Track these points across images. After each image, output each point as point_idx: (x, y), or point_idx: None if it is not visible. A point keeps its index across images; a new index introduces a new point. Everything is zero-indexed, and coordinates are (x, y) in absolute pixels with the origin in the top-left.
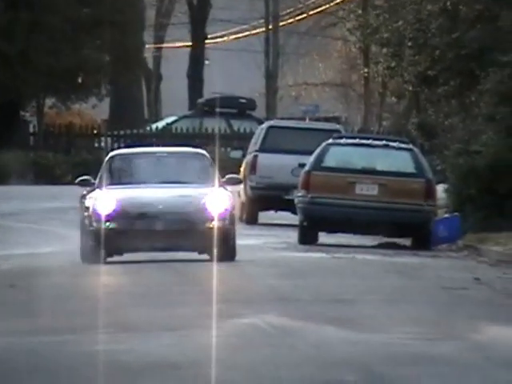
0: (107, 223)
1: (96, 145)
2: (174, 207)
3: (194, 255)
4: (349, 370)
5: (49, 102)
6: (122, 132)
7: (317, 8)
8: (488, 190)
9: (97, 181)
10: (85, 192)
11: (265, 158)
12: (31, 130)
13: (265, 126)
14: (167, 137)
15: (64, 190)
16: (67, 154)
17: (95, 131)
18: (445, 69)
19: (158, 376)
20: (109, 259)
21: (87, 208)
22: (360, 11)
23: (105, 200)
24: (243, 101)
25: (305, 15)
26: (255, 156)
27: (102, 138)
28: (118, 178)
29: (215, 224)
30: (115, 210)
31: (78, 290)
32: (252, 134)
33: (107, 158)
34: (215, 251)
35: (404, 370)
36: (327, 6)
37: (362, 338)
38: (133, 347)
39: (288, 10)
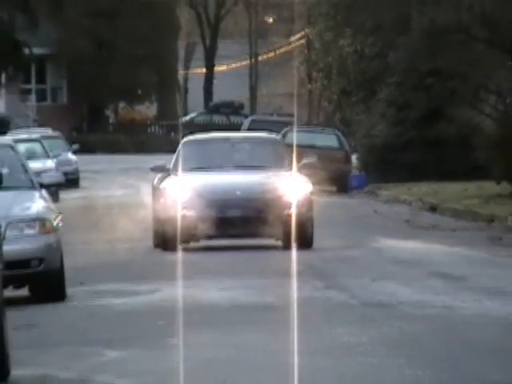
0: (184, 210)
1: (148, 130)
2: (252, 193)
3: (268, 241)
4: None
5: (121, 105)
6: (164, 122)
7: (280, 49)
8: (381, 159)
9: (171, 166)
10: (157, 179)
11: None
12: (110, 121)
13: (249, 119)
14: (191, 126)
15: (128, 157)
16: (131, 135)
17: (148, 122)
18: (356, 86)
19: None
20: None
21: (162, 194)
22: (306, 51)
23: (181, 186)
24: (236, 104)
25: (273, 54)
26: None
27: (153, 127)
28: (193, 163)
29: (293, 211)
30: (191, 197)
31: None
32: (241, 124)
33: (181, 144)
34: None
35: (331, 264)
36: (287, 48)
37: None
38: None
39: (265, 50)
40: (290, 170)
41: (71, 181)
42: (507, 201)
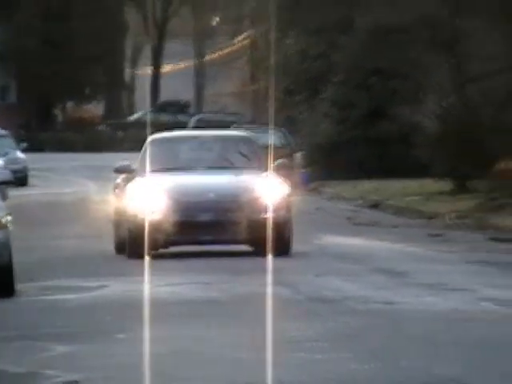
0: (153, 214)
1: (96, 129)
2: (227, 196)
3: (239, 247)
4: None
5: (69, 103)
6: (111, 121)
7: (226, 49)
8: (325, 157)
9: (137, 167)
10: (119, 180)
11: None
12: (59, 119)
13: (195, 118)
14: (138, 124)
15: (76, 156)
16: (79, 134)
17: (96, 120)
18: (300, 85)
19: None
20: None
21: (126, 197)
22: (250, 51)
23: (148, 188)
24: (182, 103)
25: (218, 54)
26: None
27: (100, 125)
28: (162, 163)
29: (270, 215)
30: (161, 200)
31: None
32: (188, 122)
33: (147, 142)
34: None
35: (276, 261)
36: (232, 48)
37: None
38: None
39: (211, 50)
40: (266, 170)
41: (20, 179)
42: (447, 198)
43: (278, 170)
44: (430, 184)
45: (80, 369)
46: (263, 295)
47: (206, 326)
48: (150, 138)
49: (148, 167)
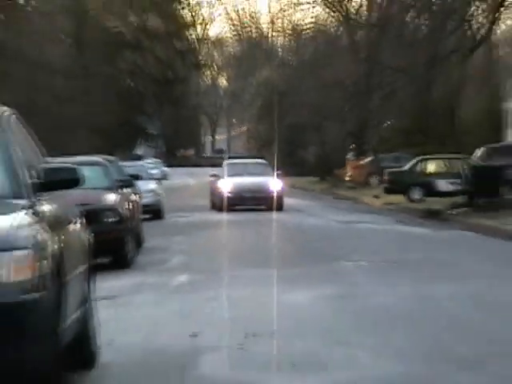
0: (228, 193)
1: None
2: (257, 186)
3: (261, 208)
4: None
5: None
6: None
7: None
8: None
9: (220, 174)
10: (211, 179)
11: None
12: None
13: (227, 155)
14: (209, 158)
15: (186, 169)
16: (186, 160)
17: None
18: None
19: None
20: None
21: (217, 186)
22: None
23: (226, 183)
24: (224, 150)
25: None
26: None
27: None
28: (231, 172)
29: (274, 194)
30: (230, 187)
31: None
32: None
33: (224, 163)
34: (275, 206)
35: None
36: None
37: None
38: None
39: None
40: (272, 176)
41: (163, 177)
42: (318, 184)
43: (277, 176)
44: (312, 178)
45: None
46: (270, 221)
47: (243, 228)
48: (225, 162)
49: (226, 174)
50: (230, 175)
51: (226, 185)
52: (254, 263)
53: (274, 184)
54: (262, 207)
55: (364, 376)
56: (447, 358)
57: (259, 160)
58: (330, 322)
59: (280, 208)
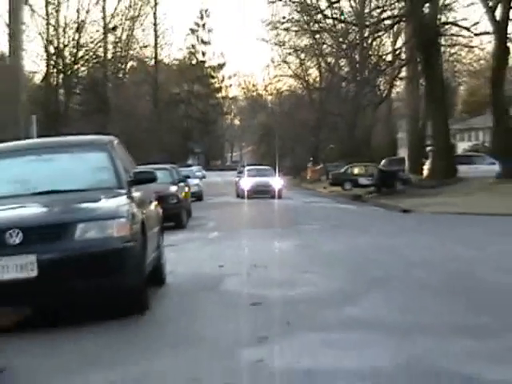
0: (248, 189)
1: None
2: (265, 183)
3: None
4: None
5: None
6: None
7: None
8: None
9: (242, 174)
10: (236, 178)
11: None
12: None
13: (242, 164)
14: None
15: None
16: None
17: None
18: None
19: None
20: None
21: (240, 183)
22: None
23: (246, 181)
24: (240, 160)
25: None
26: None
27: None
28: (248, 174)
29: (277, 189)
30: (249, 184)
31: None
32: None
33: (246, 169)
34: (277, 196)
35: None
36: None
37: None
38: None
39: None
40: (275, 176)
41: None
42: (294, 180)
43: (280, 175)
44: (289, 177)
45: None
46: (273, 204)
47: (252, 206)
48: (246, 168)
49: (245, 175)
50: (248, 175)
51: (247, 182)
52: (256, 225)
53: (277, 182)
54: (267, 197)
55: (317, 289)
56: (365, 279)
57: (267, 167)
58: (298, 260)
59: (280, 197)
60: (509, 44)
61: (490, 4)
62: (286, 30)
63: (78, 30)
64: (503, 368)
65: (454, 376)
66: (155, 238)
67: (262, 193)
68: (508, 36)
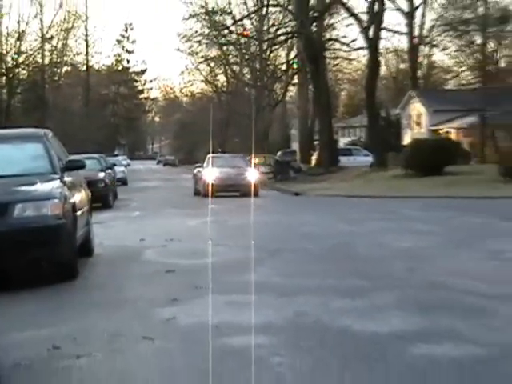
0: (211, 181)
1: None
2: (237, 175)
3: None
4: None
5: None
6: None
7: None
8: None
9: (204, 165)
10: (195, 170)
11: None
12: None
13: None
14: None
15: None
16: None
17: None
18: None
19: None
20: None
21: (201, 174)
22: None
23: (210, 172)
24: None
25: None
26: None
27: None
28: (214, 164)
29: (252, 183)
30: (214, 176)
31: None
32: None
33: (208, 157)
34: (252, 192)
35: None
36: None
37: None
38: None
39: None
40: (250, 167)
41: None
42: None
43: (255, 168)
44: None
45: None
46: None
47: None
48: (209, 155)
49: (210, 165)
50: (214, 166)
51: (211, 174)
52: (172, 206)
53: (252, 174)
54: (237, 194)
55: (222, 258)
56: (262, 250)
57: (241, 155)
58: (207, 234)
59: (256, 194)
60: (380, 58)
61: (365, 25)
62: (198, 42)
63: (19, 38)
64: (369, 321)
65: (331, 327)
66: (85, 216)
67: (232, 188)
68: (378, 51)
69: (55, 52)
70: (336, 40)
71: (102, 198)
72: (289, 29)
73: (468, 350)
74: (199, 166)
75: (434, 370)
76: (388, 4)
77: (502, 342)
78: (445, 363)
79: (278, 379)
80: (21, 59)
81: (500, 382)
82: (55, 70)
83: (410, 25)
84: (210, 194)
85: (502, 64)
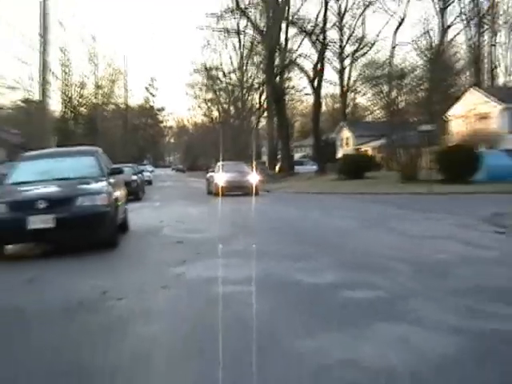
0: (222, 184)
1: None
2: (241, 178)
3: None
4: None
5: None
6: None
7: None
8: None
9: (215, 170)
10: (208, 175)
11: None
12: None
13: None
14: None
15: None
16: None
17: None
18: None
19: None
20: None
21: (213, 178)
22: None
23: (221, 176)
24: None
25: None
26: None
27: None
28: (223, 170)
29: (253, 184)
30: (223, 179)
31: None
32: None
33: (218, 164)
34: (253, 192)
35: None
36: None
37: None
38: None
39: None
40: (253, 172)
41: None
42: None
43: (257, 173)
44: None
45: None
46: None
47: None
48: (219, 163)
49: (220, 170)
50: (223, 171)
51: (221, 177)
52: (183, 199)
53: (253, 178)
54: (243, 194)
55: (214, 234)
56: (242, 229)
57: (244, 163)
58: (203, 218)
59: (257, 193)
60: (321, 100)
61: (311, 78)
62: (200, 89)
63: (81, 87)
64: (314, 277)
65: (287, 280)
66: (123, 205)
67: (238, 189)
68: (320, 96)
69: (105, 96)
70: (292, 88)
71: (134, 193)
72: (261, 80)
73: (377, 294)
74: (211, 171)
75: (354, 306)
76: (327, 65)
77: (400, 288)
78: (362, 302)
79: (253, 311)
80: (82, 101)
81: (393, 313)
82: (104, 107)
83: (341, 78)
84: (220, 194)
85: (402, 105)
